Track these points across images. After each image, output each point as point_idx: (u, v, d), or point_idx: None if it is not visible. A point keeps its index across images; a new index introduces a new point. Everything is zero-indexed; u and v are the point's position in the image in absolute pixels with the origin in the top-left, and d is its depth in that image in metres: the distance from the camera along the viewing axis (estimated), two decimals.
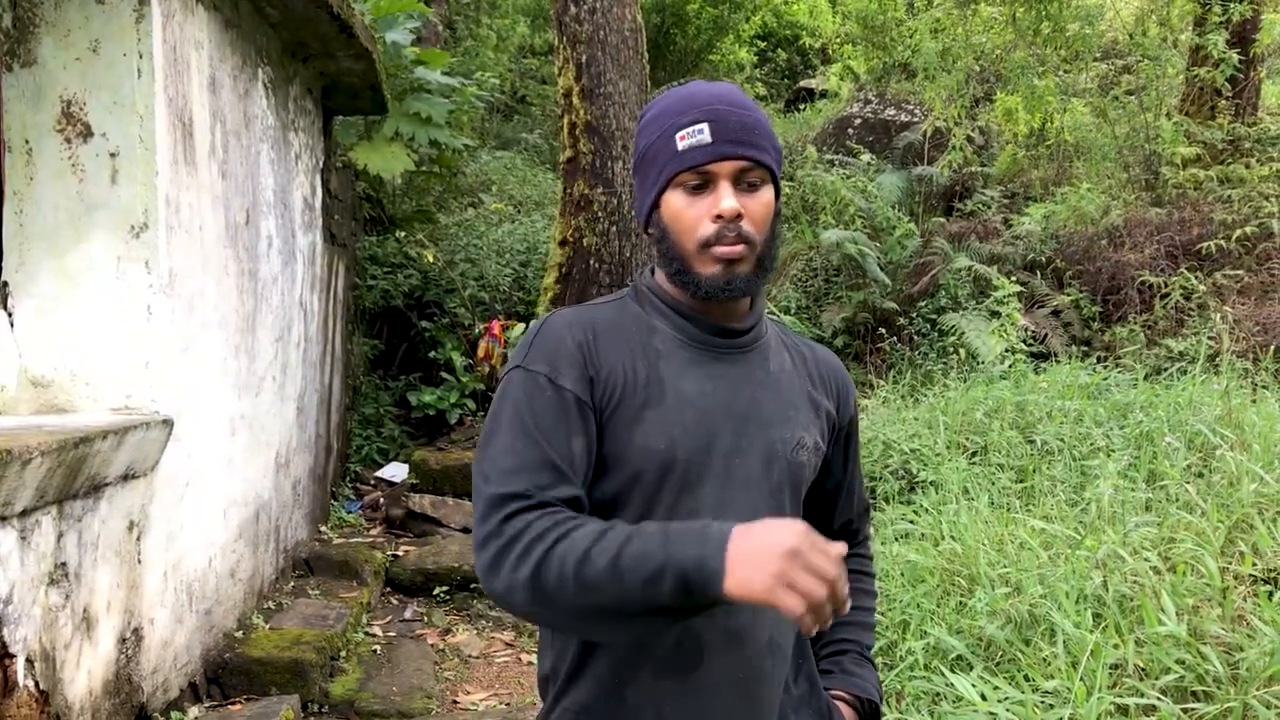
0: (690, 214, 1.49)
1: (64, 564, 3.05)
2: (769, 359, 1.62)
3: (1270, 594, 3.04)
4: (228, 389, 4.38)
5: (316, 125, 6.01)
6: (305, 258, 5.68)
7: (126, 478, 3.42)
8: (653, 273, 1.65)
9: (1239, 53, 8.31)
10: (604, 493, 1.52)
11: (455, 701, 4.55)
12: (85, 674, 3.18)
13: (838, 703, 1.69)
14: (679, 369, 1.54)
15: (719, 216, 1.47)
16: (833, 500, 1.79)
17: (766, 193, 1.52)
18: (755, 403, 1.56)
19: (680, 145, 1.48)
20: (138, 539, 3.53)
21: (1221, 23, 8.24)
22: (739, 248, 1.48)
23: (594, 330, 1.54)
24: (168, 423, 3.62)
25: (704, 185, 1.49)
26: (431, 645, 5.13)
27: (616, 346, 1.53)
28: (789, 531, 1.22)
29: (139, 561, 3.54)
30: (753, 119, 1.51)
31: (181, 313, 3.79)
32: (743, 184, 1.49)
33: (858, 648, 1.78)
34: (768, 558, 1.20)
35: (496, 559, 1.36)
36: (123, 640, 3.43)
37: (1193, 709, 2.62)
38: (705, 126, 1.48)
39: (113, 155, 3.52)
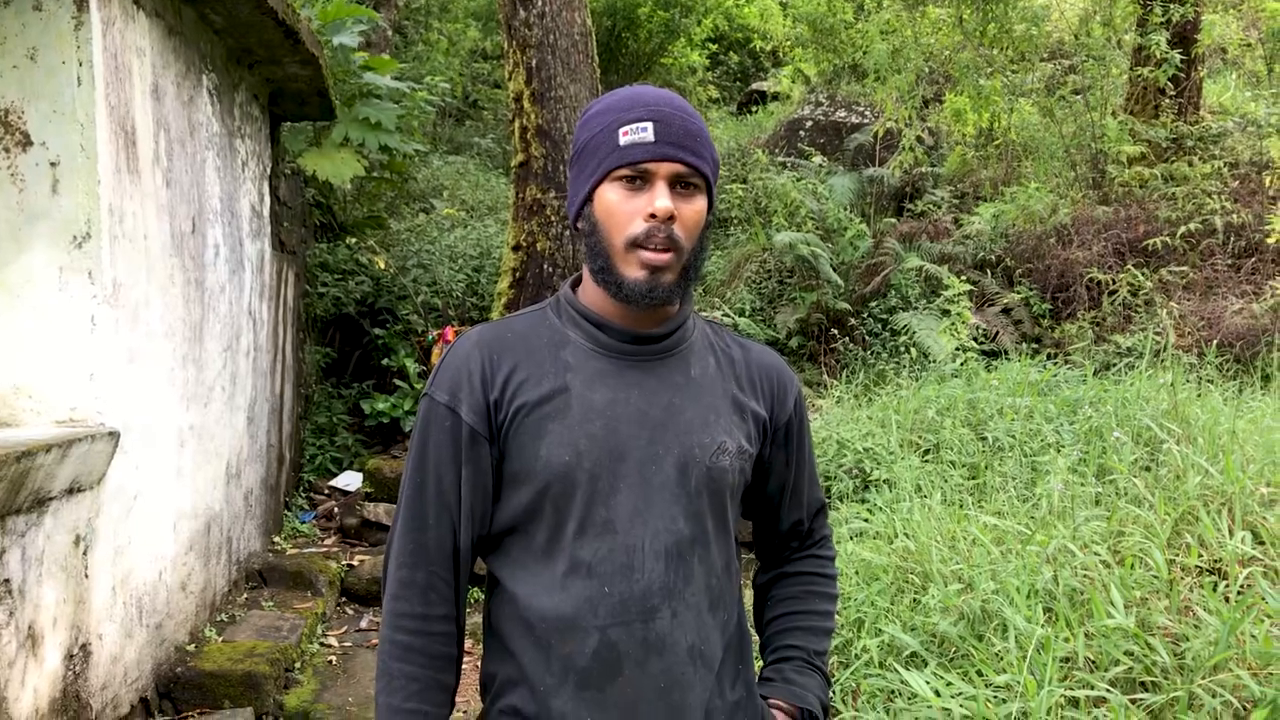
0: (624, 210, 1.49)
1: (7, 580, 2.99)
2: (691, 364, 1.62)
3: (1215, 585, 3.09)
4: (175, 400, 4.32)
5: (264, 132, 5.95)
6: (254, 266, 5.62)
7: (72, 491, 3.36)
8: (574, 285, 1.65)
9: (1180, 53, 8.45)
10: (516, 507, 1.54)
11: None
12: (31, 692, 3.12)
13: (776, 712, 1.68)
14: (589, 380, 1.55)
15: (652, 215, 1.47)
16: (778, 502, 1.78)
17: (700, 201, 1.53)
18: (673, 409, 1.56)
19: (622, 140, 1.49)
20: (84, 553, 3.47)
21: (1163, 23, 8.37)
22: (666, 256, 1.49)
23: (501, 349, 1.57)
24: (114, 435, 3.57)
25: (641, 183, 1.49)
26: None
27: (524, 362, 1.55)
28: None
29: (86, 576, 3.49)
30: (696, 126, 1.53)
31: (126, 323, 3.74)
32: (679, 187, 1.50)
33: (803, 654, 1.75)
34: None
35: (381, 643, 1.58)
36: (70, 656, 3.38)
37: (1141, 699, 2.65)
38: (650, 125, 1.49)
39: (53, 164, 3.47)
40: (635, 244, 1.48)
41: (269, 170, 6.04)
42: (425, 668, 1.54)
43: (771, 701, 1.69)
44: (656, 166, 1.48)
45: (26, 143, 3.46)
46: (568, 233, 7.48)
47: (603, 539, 1.50)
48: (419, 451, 1.57)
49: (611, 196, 1.50)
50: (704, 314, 8.23)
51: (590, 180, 1.53)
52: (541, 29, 7.43)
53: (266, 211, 5.95)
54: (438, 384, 1.57)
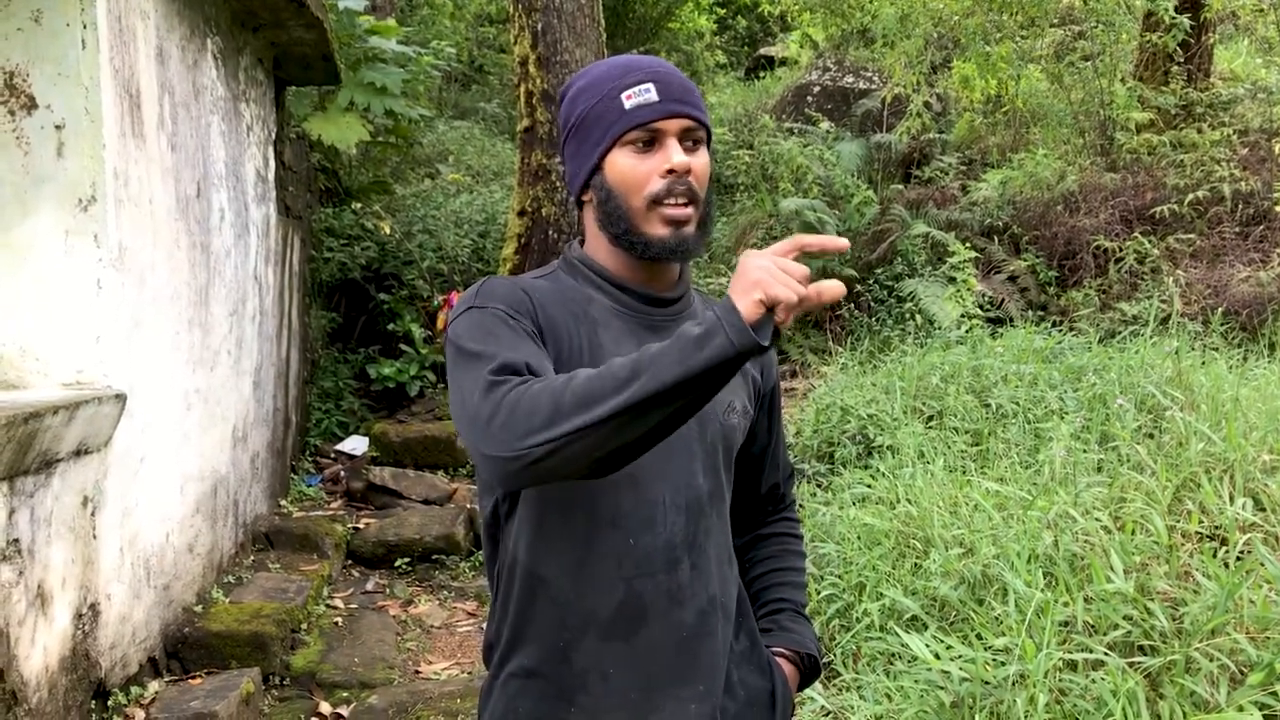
0: (640, 170, 1.51)
1: (16, 540, 3.02)
2: None
3: (1215, 551, 3.11)
4: (181, 363, 4.34)
5: (268, 96, 5.93)
6: (259, 230, 5.62)
7: (79, 453, 3.39)
8: (580, 244, 1.66)
9: (1190, 18, 8.37)
10: None
11: (417, 671, 4.57)
12: (41, 650, 3.16)
13: (777, 658, 1.74)
14: (615, 337, 1.57)
15: (670, 171, 1.50)
16: (759, 464, 1.84)
17: (705, 154, 1.57)
18: None
19: (628, 105, 1.51)
20: (92, 514, 3.50)
21: None
22: (687, 209, 1.52)
23: (534, 292, 1.56)
24: (120, 398, 3.59)
25: (651, 143, 1.52)
26: (393, 616, 5.14)
27: (558, 309, 1.56)
28: (760, 256, 1.23)
29: (94, 537, 3.52)
30: (690, 84, 1.57)
31: (132, 287, 3.75)
32: (687, 142, 1.53)
33: (793, 605, 1.83)
34: (751, 272, 1.21)
35: (506, 424, 1.28)
36: (79, 616, 3.41)
37: (1138, 662, 2.68)
38: (651, 86, 1.52)
39: (58, 128, 3.47)
40: (656, 201, 1.51)
41: (274, 135, 6.03)
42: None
43: (774, 649, 1.75)
44: (666, 124, 1.51)
45: (32, 105, 3.46)
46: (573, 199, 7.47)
47: (624, 493, 1.53)
48: (481, 335, 1.41)
49: (624, 161, 1.52)
50: (707, 281, 8.23)
51: (598, 149, 1.54)
52: None
53: (271, 176, 5.95)
54: (483, 299, 1.48)
